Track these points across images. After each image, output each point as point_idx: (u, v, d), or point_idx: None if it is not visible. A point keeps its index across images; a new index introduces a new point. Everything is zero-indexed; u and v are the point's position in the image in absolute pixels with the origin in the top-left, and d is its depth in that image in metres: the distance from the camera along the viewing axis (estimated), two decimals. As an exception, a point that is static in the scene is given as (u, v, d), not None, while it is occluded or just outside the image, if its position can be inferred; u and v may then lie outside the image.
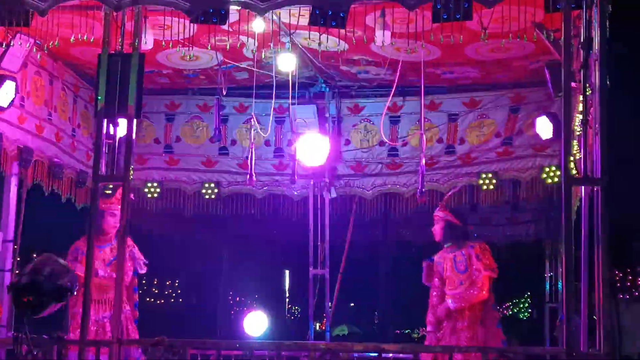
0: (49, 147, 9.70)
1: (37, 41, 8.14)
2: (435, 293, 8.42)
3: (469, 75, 10.13)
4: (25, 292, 5.80)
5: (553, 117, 9.22)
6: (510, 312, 20.14)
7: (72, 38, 7.95)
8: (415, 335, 17.71)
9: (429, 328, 8.35)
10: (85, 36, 7.87)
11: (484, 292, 8.00)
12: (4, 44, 8.16)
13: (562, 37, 6.50)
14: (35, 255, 7.55)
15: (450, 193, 9.30)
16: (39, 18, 7.22)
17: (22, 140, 9.13)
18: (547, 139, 9.42)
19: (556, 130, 9.04)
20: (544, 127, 9.31)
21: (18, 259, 9.62)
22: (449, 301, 8.10)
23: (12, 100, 8.32)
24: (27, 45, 8.11)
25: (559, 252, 10.93)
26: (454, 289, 8.14)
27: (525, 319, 20.03)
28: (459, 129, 10.62)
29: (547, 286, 11.81)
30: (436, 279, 8.43)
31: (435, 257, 8.51)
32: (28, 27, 7.46)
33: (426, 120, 10.34)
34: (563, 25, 6.47)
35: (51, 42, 7.81)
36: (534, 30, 7.63)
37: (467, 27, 7.74)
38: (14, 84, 8.22)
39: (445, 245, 8.43)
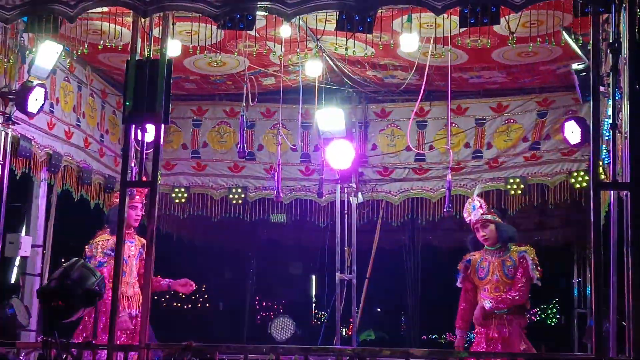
0: (77, 153, 9.78)
1: (66, 48, 8.22)
2: (466, 297, 8.16)
3: (496, 79, 10.11)
4: (54, 296, 5.86)
5: (581, 122, 9.16)
6: (538, 318, 19.99)
7: (101, 44, 8.02)
8: (442, 341, 17.63)
9: (458, 334, 8.14)
10: (114, 43, 7.95)
11: (522, 297, 7.80)
12: (34, 51, 8.24)
13: (591, 41, 6.45)
14: (64, 261, 7.62)
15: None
16: (68, 25, 7.29)
17: (51, 145, 9.21)
18: (575, 144, 9.36)
19: (584, 135, 8.99)
20: (572, 132, 9.25)
21: (48, 264, 9.71)
22: (485, 302, 7.83)
23: (42, 107, 8.38)
24: (56, 52, 8.17)
25: (588, 257, 10.87)
26: (501, 294, 7.86)
27: (554, 325, 19.88)
28: (486, 133, 10.59)
29: (576, 292, 11.73)
30: (468, 283, 8.15)
31: (473, 259, 8.19)
32: (57, 34, 7.53)
33: (453, 124, 10.34)
34: (591, 29, 6.43)
35: (80, 49, 7.87)
36: (562, 35, 7.59)
37: (495, 31, 7.74)
38: (43, 90, 8.28)
39: (491, 248, 8.10)
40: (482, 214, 8.08)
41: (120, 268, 6.47)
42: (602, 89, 6.86)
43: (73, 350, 6.23)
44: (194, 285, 8.45)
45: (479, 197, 8.28)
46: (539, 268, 7.84)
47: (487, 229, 8.05)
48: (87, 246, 7.99)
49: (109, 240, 7.90)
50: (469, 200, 8.36)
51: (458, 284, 8.25)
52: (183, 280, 8.40)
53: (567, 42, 7.74)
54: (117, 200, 8.12)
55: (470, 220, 8.18)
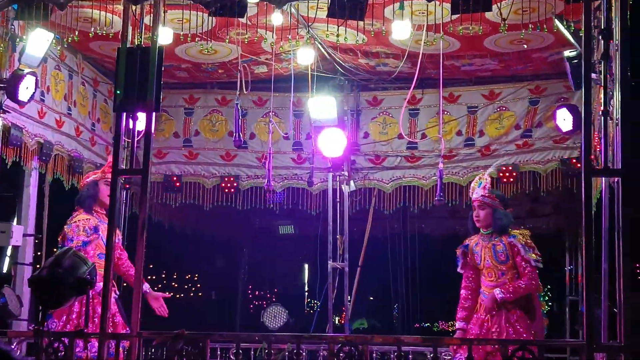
0: (69, 142, 9.75)
1: (57, 36, 8.18)
2: (467, 285, 7.91)
3: (488, 67, 10.11)
4: (46, 285, 5.84)
5: (573, 109, 9.15)
6: (530, 306, 20.06)
7: (91, 32, 7.99)
8: (435, 329, 17.66)
9: (459, 325, 7.80)
10: (104, 30, 7.92)
11: (533, 283, 7.64)
12: (25, 39, 8.20)
13: (582, 28, 6.45)
14: (55, 250, 7.59)
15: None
16: (58, 12, 7.26)
17: (42, 134, 9.17)
18: (567, 131, 9.36)
19: (576, 122, 8.99)
20: (563, 119, 9.24)
21: (39, 253, 9.69)
22: (497, 291, 7.56)
23: (32, 95, 8.34)
24: (47, 40, 8.13)
25: (579, 244, 10.89)
26: (495, 280, 7.68)
27: (545, 312, 19.95)
28: (478, 121, 10.59)
29: (567, 279, 11.75)
30: (470, 271, 7.90)
31: (470, 244, 7.95)
32: (47, 22, 7.50)
33: (445, 112, 10.33)
34: (583, 16, 6.43)
35: (70, 37, 7.84)
36: (554, 22, 7.59)
37: (487, 18, 7.74)
38: (34, 78, 8.23)
39: (484, 232, 7.86)
40: (482, 195, 7.86)
41: (112, 255, 6.47)
42: (594, 75, 6.86)
43: (64, 339, 6.23)
44: (166, 311, 8.01)
45: (489, 177, 8.08)
46: (536, 251, 7.66)
47: (483, 211, 7.83)
48: (65, 227, 7.73)
49: (89, 219, 7.70)
50: (479, 175, 8.19)
51: (459, 270, 8.01)
52: (160, 296, 8.01)
53: (559, 29, 7.73)
54: (88, 180, 8.07)
55: (471, 196, 8.04)
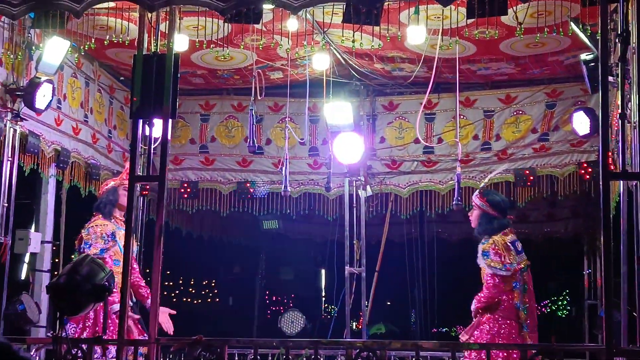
0: (85, 149, 9.80)
1: (73, 43, 8.22)
2: None
3: (505, 71, 10.08)
4: (63, 292, 5.86)
5: (590, 113, 9.13)
6: (549, 310, 19.96)
7: (107, 40, 8.03)
8: (453, 334, 17.61)
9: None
10: (120, 38, 7.95)
11: (493, 291, 7.37)
12: (41, 47, 8.24)
13: (599, 31, 6.42)
14: (72, 256, 7.62)
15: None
16: (75, 20, 7.28)
17: (59, 142, 9.22)
18: (584, 135, 9.33)
19: (593, 126, 8.97)
20: (580, 123, 9.22)
21: (57, 260, 9.72)
22: (473, 302, 7.55)
23: (49, 103, 8.40)
24: (64, 48, 8.17)
25: (598, 248, 10.83)
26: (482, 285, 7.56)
27: (564, 317, 19.84)
28: (494, 125, 10.56)
29: (586, 283, 11.69)
30: None
31: None
32: (64, 30, 7.54)
33: (461, 116, 10.31)
34: (600, 19, 6.39)
35: (87, 44, 7.87)
36: (570, 25, 7.56)
37: (502, 22, 7.72)
38: (50, 86, 8.29)
39: (479, 236, 7.79)
40: (475, 196, 7.87)
41: (129, 262, 6.47)
42: (610, 79, 6.83)
43: (83, 345, 6.25)
44: (172, 328, 7.81)
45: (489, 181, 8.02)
46: (505, 258, 7.38)
47: (473, 212, 7.82)
48: (83, 231, 7.76)
49: (106, 225, 7.74)
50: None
51: None
52: (166, 311, 7.79)
53: (575, 33, 7.70)
54: (108, 186, 8.11)
55: None
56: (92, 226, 7.77)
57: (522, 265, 7.52)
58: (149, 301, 7.42)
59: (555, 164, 10.29)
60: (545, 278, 15.78)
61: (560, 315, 20.06)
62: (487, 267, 7.43)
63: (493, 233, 7.61)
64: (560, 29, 7.34)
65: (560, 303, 20.15)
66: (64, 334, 5.96)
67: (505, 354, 7.20)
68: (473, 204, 7.89)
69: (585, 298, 11.69)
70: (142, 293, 7.90)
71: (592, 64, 8.07)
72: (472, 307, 7.52)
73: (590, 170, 9.94)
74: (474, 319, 7.53)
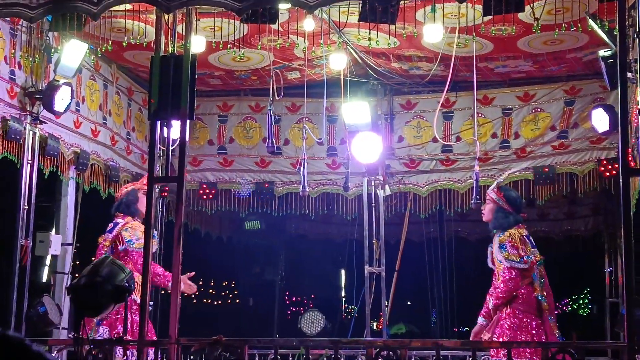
0: (104, 151, 9.84)
1: (91, 46, 8.26)
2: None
3: (522, 68, 10.04)
4: (84, 293, 5.89)
5: (609, 109, 9.08)
6: (570, 309, 19.84)
7: (125, 41, 8.06)
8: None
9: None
10: (138, 40, 7.98)
11: (509, 285, 7.32)
12: (60, 50, 8.29)
13: (617, 27, 6.38)
14: (93, 258, 7.65)
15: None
16: (92, 23, 7.32)
17: (78, 144, 9.27)
18: (603, 131, 9.28)
19: (612, 123, 8.92)
20: (599, 120, 9.17)
21: (77, 262, 9.77)
22: (490, 299, 7.52)
23: (68, 105, 8.45)
24: (82, 50, 8.22)
25: (619, 245, 10.76)
26: (496, 281, 7.52)
27: (585, 315, 19.73)
28: (513, 123, 10.52)
29: (607, 281, 11.62)
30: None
31: None
32: (81, 32, 7.57)
33: (480, 115, 10.27)
34: (617, 15, 6.35)
35: (104, 46, 7.90)
36: (588, 21, 7.52)
37: (519, 19, 7.69)
38: (69, 89, 8.34)
39: (493, 232, 7.78)
40: (491, 189, 7.86)
41: (149, 262, 6.49)
42: (629, 75, 6.79)
43: (104, 346, 6.27)
44: (195, 287, 8.19)
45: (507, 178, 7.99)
46: (521, 251, 7.35)
47: (487, 205, 7.80)
48: (123, 231, 7.88)
49: (141, 226, 7.82)
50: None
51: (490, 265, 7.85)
52: (184, 278, 7.83)
53: (593, 29, 7.66)
54: (128, 189, 8.15)
55: None
56: (131, 225, 7.90)
57: (538, 258, 7.48)
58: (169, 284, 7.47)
59: (575, 162, 10.23)
60: (565, 276, 15.69)
61: (582, 314, 19.95)
62: (504, 260, 7.40)
63: (509, 228, 7.59)
64: (579, 25, 7.32)
65: (581, 302, 20.04)
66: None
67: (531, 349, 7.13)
68: (488, 197, 7.86)
69: (607, 296, 11.62)
70: (162, 282, 7.95)
71: (611, 61, 8.03)
72: (490, 304, 7.48)
73: (610, 167, 9.87)
74: (492, 317, 7.49)
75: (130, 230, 7.88)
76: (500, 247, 7.45)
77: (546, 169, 10.23)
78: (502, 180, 8.30)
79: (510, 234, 7.49)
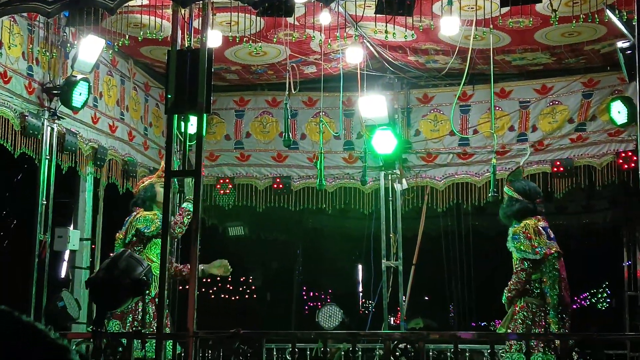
0: (122, 146, 9.87)
1: (108, 41, 8.29)
2: None
3: (540, 61, 9.99)
4: (102, 287, 5.91)
5: (627, 101, 9.03)
6: (588, 303, 19.78)
7: (141, 36, 8.08)
8: (492, 328, 17.52)
9: None
10: (154, 34, 8.00)
11: (520, 277, 7.29)
12: (77, 45, 8.32)
13: (635, 17, 6.35)
14: (111, 254, 7.68)
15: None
16: (109, 18, 7.35)
17: (96, 139, 9.30)
18: (622, 124, 9.23)
19: (631, 115, 8.87)
20: (618, 112, 9.13)
21: (96, 257, 9.81)
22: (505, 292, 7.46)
23: (86, 101, 8.48)
24: (99, 46, 8.25)
25: (637, 238, 10.72)
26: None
27: (604, 309, 19.66)
28: (530, 116, 10.46)
29: (626, 274, 11.56)
30: None
31: None
32: (98, 27, 7.60)
33: (497, 108, 10.22)
34: (636, 5, 6.32)
35: (120, 40, 7.93)
36: (606, 12, 7.48)
37: (537, 11, 7.65)
38: (87, 84, 8.37)
39: (506, 221, 7.70)
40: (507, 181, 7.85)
41: (166, 257, 6.51)
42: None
43: (123, 339, 6.30)
44: (229, 267, 8.14)
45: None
46: (534, 242, 7.27)
47: (504, 197, 7.79)
48: (135, 223, 7.76)
49: (160, 217, 7.78)
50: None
51: None
52: (217, 261, 8.04)
53: (611, 20, 7.61)
54: (145, 183, 8.13)
55: None
56: (142, 215, 7.79)
57: (553, 251, 7.33)
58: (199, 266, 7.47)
59: (593, 154, 10.16)
60: (584, 270, 15.62)
61: (600, 307, 19.88)
62: (515, 250, 7.34)
63: (520, 217, 7.51)
64: (596, 16, 7.27)
65: (599, 295, 19.97)
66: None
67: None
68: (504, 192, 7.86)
69: (625, 289, 11.56)
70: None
71: (629, 52, 7.98)
72: (504, 297, 7.44)
73: (628, 159, 9.80)
74: (507, 311, 7.46)
75: (142, 220, 7.76)
76: (513, 237, 7.39)
77: (557, 162, 10.14)
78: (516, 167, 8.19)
79: (525, 224, 7.41)
